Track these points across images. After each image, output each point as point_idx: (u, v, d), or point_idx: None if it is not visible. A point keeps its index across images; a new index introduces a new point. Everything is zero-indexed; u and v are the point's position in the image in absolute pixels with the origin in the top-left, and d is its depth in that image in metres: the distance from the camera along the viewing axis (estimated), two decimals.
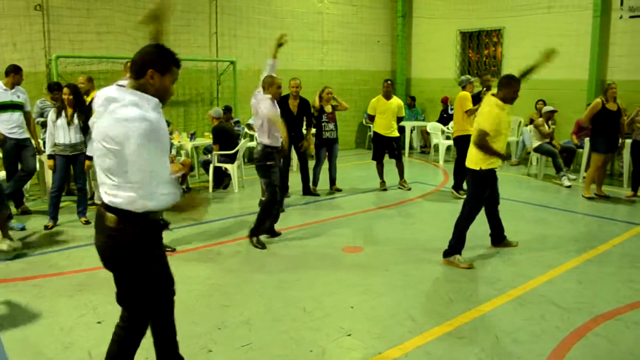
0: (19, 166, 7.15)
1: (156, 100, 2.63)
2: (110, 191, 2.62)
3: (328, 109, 8.56)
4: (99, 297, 4.55)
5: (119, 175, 2.56)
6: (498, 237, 5.91)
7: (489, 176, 5.39)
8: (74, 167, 6.76)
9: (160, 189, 2.58)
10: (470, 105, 7.98)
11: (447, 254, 5.40)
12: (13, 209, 7.05)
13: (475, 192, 5.43)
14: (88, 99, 7.12)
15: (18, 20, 8.85)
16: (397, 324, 4.06)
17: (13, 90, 6.99)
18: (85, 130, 6.62)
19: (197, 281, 4.95)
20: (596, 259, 5.57)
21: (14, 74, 6.95)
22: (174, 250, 5.75)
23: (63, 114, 6.54)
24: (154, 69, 2.61)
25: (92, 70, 9.05)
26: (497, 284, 4.85)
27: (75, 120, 6.54)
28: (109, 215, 2.64)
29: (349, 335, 3.86)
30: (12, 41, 8.80)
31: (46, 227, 6.61)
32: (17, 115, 7.00)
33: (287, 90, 7.68)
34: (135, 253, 2.72)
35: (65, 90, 6.59)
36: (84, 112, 6.64)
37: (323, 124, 8.49)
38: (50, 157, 6.65)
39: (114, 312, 4.20)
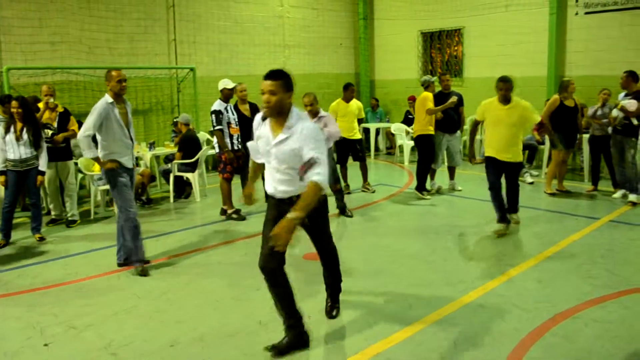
0: None
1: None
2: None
3: None
4: (47, 317, 4.38)
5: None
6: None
7: None
8: (27, 183, 6.53)
9: None
10: (431, 105, 7.98)
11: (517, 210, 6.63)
12: None
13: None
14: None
15: None
16: (355, 332, 3.98)
17: None
18: (36, 144, 6.40)
19: (154, 296, 4.81)
20: (556, 255, 5.58)
21: None
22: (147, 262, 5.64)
23: (12, 129, 6.33)
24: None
25: (47, 81, 8.78)
26: (457, 286, 4.81)
27: (25, 136, 6.32)
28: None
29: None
30: None
31: None
32: None
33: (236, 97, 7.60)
34: None
35: (14, 103, 6.37)
36: (34, 125, 6.43)
37: None
38: (1, 173, 6.43)
39: (62, 334, 4.08)
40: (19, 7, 9.00)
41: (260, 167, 3.89)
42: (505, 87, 6.13)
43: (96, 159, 5.27)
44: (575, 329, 3.93)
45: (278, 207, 3.60)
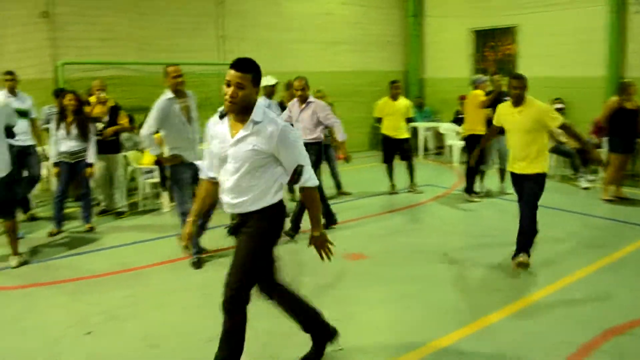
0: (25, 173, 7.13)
1: None
2: None
3: None
4: (91, 307, 4.47)
5: None
6: None
7: None
8: (78, 174, 6.71)
9: None
10: (483, 99, 7.72)
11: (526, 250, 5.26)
12: (21, 215, 7.02)
13: (540, 195, 5.32)
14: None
15: (25, 28, 8.88)
16: (389, 339, 3.88)
17: (17, 97, 6.97)
18: (84, 136, 6.56)
19: (198, 289, 4.85)
20: (610, 266, 5.30)
21: (5, 80, 6.92)
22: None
23: (62, 123, 6.52)
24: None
25: (99, 76, 9.00)
26: (501, 295, 4.62)
27: (74, 130, 6.49)
28: None
29: (341, 349, 3.68)
30: (19, 48, 8.81)
31: (50, 234, 6.57)
32: (23, 122, 6.97)
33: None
34: None
35: (69, 96, 6.55)
36: (82, 119, 6.59)
37: None
38: (55, 164, 6.64)
39: (103, 324, 4.15)
40: (73, 3, 9.27)
41: (213, 191, 3.31)
42: (519, 85, 5.06)
43: (160, 155, 5.36)
44: (627, 347, 3.69)
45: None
